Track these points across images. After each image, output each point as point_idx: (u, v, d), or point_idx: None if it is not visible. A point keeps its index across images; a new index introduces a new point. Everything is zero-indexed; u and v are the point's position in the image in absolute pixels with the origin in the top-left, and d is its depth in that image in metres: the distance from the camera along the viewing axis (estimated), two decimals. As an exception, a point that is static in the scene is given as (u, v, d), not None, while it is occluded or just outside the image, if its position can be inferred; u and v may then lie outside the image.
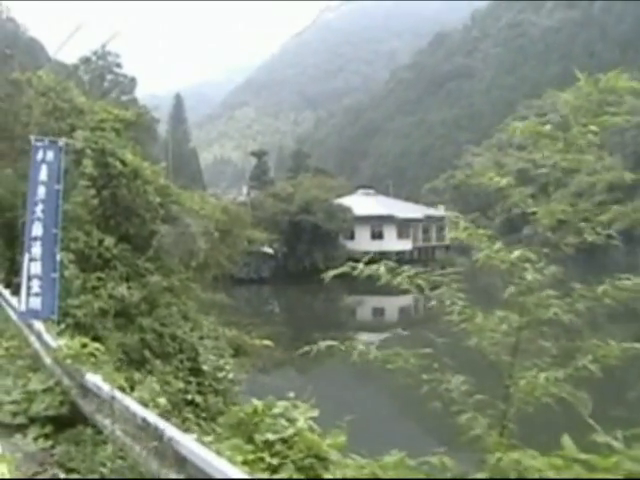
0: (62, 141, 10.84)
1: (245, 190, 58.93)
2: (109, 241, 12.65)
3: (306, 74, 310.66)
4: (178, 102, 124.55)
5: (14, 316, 11.62)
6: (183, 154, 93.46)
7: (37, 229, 9.80)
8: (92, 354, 7.03)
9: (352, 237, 64.68)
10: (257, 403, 4.97)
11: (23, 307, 9.69)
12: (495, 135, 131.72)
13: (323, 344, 4.95)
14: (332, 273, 4.85)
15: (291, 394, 5.62)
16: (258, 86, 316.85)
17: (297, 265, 56.80)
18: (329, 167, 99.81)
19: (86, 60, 67.35)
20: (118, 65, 79.13)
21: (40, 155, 10.30)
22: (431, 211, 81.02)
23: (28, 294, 9.62)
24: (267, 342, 16.57)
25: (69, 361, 6.97)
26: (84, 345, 7.01)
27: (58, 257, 10.04)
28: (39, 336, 9.02)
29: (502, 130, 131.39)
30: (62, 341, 7.70)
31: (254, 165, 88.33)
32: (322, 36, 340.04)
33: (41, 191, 10.05)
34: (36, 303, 9.63)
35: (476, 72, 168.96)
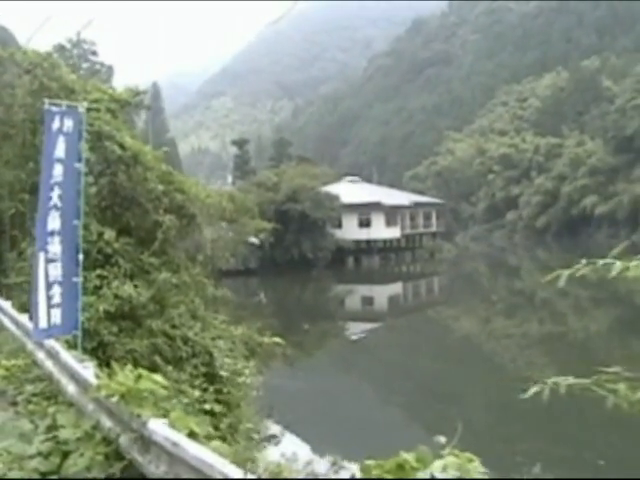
0: (83, 106, 8.76)
1: (230, 179, 57.51)
2: (109, 234, 11.27)
3: (282, 63, 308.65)
4: (155, 92, 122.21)
5: (9, 325, 10.29)
6: (162, 144, 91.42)
7: (54, 221, 7.78)
8: (151, 391, 5.07)
9: (340, 226, 63.64)
10: (405, 456, 3.57)
11: (44, 323, 7.46)
12: (476, 121, 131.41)
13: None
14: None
15: (440, 438, 4.23)
16: (234, 75, 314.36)
17: (285, 255, 55.66)
18: (309, 156, 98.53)
19: (60, 48, 65.31)
20: (94, 53, 77.12)
21: (56, 124, 8.09)
22: (418, 198, 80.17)
23: (49, 305, 7.52)
24: (277, 339, 15.26)
25: (115, 398, 5.12)
26: (138, 377, 5.36)
27: (80, 256, 8.09)
28: (55, 355, 7.36)
29: (483, 116, 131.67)
30: (94, 368, 6.14)
31: (235, 154, 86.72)
32: (298, 24, 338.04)
33: (58, 171, 7.93)
34: (58, 316, 7.58)
35: (455, 58, 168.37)
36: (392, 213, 68.67)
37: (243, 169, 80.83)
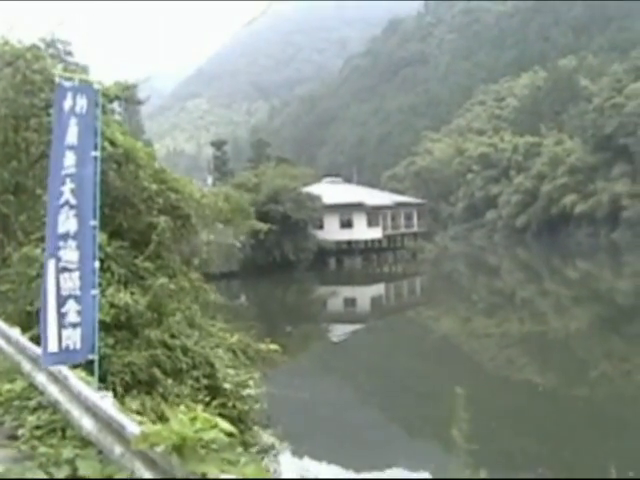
0: (98, 84, 7.41)
1: (210, 181, 56.70)
2: (101, 237, 10.41)
3: (258, 64, 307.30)
4: (131, 93, 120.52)
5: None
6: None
7: (67, 221, 6.40)
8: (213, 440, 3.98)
9: (321, 226, 63.02)
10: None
11: (54, 346, 6.14)
12: (454, 121, 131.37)
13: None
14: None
15: None
16: (209, 76, 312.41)
17: (266, 257, 54.82)
18: (286, 156, 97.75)
19: (33, 47, 63.93)
20: (69, 53, 75.61)
21: (68, 103, 6.72)
22: (399, 198, 79.76)
23: (61, 324, 6.18)
24: (274, 346, 14.50)
25: (163, 448, 4.03)
26: (193, 419, 4.38)
27: (97, 264, 6.79)
28: (62, 379, 6.21)
29: (461, 115, 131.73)
30: (112, 399, 5.19)
31: (214, 156, 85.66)
32: (273, 25, 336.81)
33: (69, 161, 6.58)
34: (74, 338, 6.23)
35: (431, 58, 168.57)
36: (374, 213, 68.19)
37: (221, 170, 79.91)
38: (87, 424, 5.57)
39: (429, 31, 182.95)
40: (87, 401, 5.49)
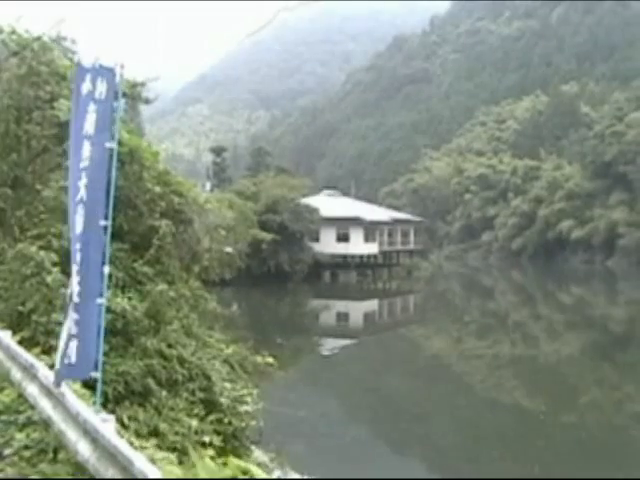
0: (119, 67, 6.57)
1: (208, 187, 56.21)
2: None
3: (260, 73, 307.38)
4: (138, 91, 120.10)
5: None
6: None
7: (81, 219, 5.72)
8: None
9: (317, 239, 62.56)
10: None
11: (58, 361, 5.52)
12: (454, 140, 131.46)
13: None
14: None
15: None
16: (212, 83, 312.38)
17: (261, 267, 54.31)
18: (285, 166, 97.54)
19: (40, 38, 63.54)
20: (73, 52, 75.31)
21: (87, 86, 6.07)
22: (397, 214, 79.49)
23: (68, 336, 5.55)
24: (270, 360, 14.05)
25: None
26: (224, 465, 3.75)
27: (106, 270, 6.04)
28: (56, 394, 5.42)
29: (461, 135, 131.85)
30: (115, 423, 4.58)
31: (213, 162, 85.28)
32: (278, 36, 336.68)
33: (86, 152, 5.90)
34: (70, 351, 5.52)
35: (434, 77, 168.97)
36: (371, 229, 67.82)
37: (220, 177, 79.46)
38: (84, 450, 4.97)
39: (433, 50, 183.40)
40: (86, 424, 4.86)
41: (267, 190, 59.38)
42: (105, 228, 6.16)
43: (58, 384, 5.83)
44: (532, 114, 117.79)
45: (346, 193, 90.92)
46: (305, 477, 12.58)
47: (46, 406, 5.52)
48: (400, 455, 17.48)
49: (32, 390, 5.91)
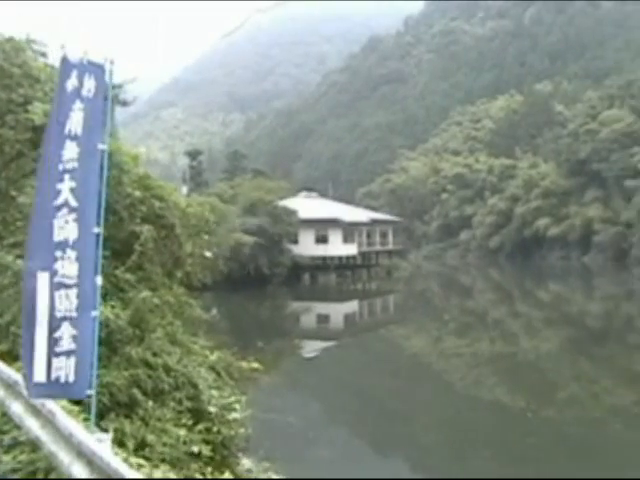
0: (109, 63, 6.11)
1: (185, 191, 55.68)
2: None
3: (235, 75, 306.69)
4: (115, 93, 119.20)
5: None
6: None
7: (67, 226, 5.33)
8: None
9: (296, 241, 62.26)
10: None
11: (41, 376, 5.06)
12: (430, 140, 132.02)
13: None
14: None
15: None
16: (185, 86, 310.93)
17: (240, 270, 53.88)
18: (261, 169, 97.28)
19: (13, 39, 62.47)
20: (44, 55, 74.39)
21: (72, 82, 5.64)
22: (375, 215, 79.43)
23: (52, 351, 5.14)
24: (256, 365, 13.80)
25: None
26: None
27: (99, 280, 5.74)
28: (45, 413, 5.01)
29: (437, 135, 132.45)
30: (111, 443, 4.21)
31: (189, 165, 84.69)
32: (251, 38, 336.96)
33: (71, 153, 5.48)
34: (67, 369, 5.13)
35: (409, 77, 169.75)
36: (350, 230, 67.65)
37: (196, 180, 78.85)
38: (80, 473, 4.61)
39: (408, 50, 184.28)
40: (77, 443, 4.48)
41: (244, 193, 59.00)
42: (98, 235, 5.83)
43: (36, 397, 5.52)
44: (507, 113, 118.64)
45: (324, 194, 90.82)
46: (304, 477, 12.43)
47: (33, 425, 5.10)
48: (383, 456, 17.41)
49: (16, 409, 5.45)
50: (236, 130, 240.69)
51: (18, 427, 5.67)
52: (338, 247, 66.21)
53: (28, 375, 5.33)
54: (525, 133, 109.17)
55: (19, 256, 9.50)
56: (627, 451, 16.65)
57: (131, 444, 7.98)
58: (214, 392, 10.19)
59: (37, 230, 5.64)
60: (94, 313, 5.72)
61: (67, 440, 4.59)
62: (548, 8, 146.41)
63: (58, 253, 5.52)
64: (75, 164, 5.65)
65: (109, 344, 9.00)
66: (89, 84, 5.85)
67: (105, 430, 6.70)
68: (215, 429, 9.38)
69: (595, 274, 75.59)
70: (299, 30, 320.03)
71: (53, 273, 5.43)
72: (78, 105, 5.76)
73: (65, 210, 5.59)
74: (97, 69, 6.04)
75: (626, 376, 26.20)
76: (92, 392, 5.67)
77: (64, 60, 5.89)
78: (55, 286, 5.40)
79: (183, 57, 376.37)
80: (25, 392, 5.61)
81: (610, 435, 18.31)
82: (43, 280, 5.38)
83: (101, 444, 4.50)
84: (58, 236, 5.53)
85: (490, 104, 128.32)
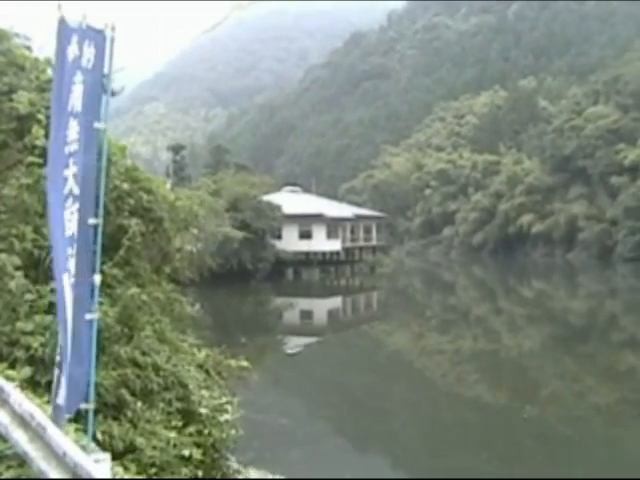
0: (110, 29, 5.26)
1: (168, 186, 55.03)
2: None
3: (217, 70, 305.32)
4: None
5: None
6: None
7: (73, 218, 4.68)
8: None
9: (280, 236, 61.92)
10: None
11: (61, 397, 4.50)
12: (413, 136, 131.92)
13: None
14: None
15: None
16: (168, 81, 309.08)
17: (224, 265, 53.40)
18: (244, 164, 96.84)
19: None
20: (28, 48, 73.29)
21: (73, 50, 4.84)
22: (359, 210, 79.22)
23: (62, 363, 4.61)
24: (244, 363, 13.44)
25: None
26: None
27: (97, 279, 5.06)
28: (34, 426, 4.39)
29: (420, 131, 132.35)
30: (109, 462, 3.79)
31: (172, 160, 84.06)
32: (233, 33, 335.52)
33: (73, 134, 4.73)
34: (61, 384, 4.61)
35: (392, 73, 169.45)
36: (333, 225, 67.39)
37: (179, 175, 78.27)
38: None
39: (391, 46, 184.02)
40: (72, 462, 3.94)
41: (228, 188, 58.48)
42: (95, 227, 5.12)
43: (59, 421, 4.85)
44: (491, 109, 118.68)
45: (307, 190, 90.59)
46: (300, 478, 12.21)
47: (20, 439, 4.55)
48: (363, 453, 17.26)
49: (1, 419, 4.99)
50: (218, 125, 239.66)
51: (4, 439, 5.11)
52: (322, 243, 65.97)
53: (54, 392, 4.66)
54: (509, 129, 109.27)
55: (2, 250, 9.09)
56: (609, 449, 16.64)
57: (119, 448, 7.65)
58: (204, 392, 9.84)
59: (54, 226, 5.03)
60: (88, 316, 5.15)
61: (55, 453, 4.07)
62: (532, 4, 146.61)
63: (70, 250, 4.94)
64: (76, 146, 4.98)
65: (97, 343, 8.61)
66: (89, 53, 5.09)
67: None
68: (206, 431, 9.04)
69: (579, 271, 75.79)
70: (280, 26, 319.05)
71: (69, 273, 4.84)
72: (79, 77, 5.04)
73: (71, 200, 4.97)
74: (97, 35, 5.24)
75: (609, 374, 26.18)
76: (89, 406, 5.13)
77: (62, 24, 5.04)
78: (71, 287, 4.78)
79: (165, 52, 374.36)
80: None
81: (592, 433, 18.27)
82: (66, 283, 4.79)
83: (99, 464, 4.05)
84: (68, 230, 4.93)
85: (474, 100, 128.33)
